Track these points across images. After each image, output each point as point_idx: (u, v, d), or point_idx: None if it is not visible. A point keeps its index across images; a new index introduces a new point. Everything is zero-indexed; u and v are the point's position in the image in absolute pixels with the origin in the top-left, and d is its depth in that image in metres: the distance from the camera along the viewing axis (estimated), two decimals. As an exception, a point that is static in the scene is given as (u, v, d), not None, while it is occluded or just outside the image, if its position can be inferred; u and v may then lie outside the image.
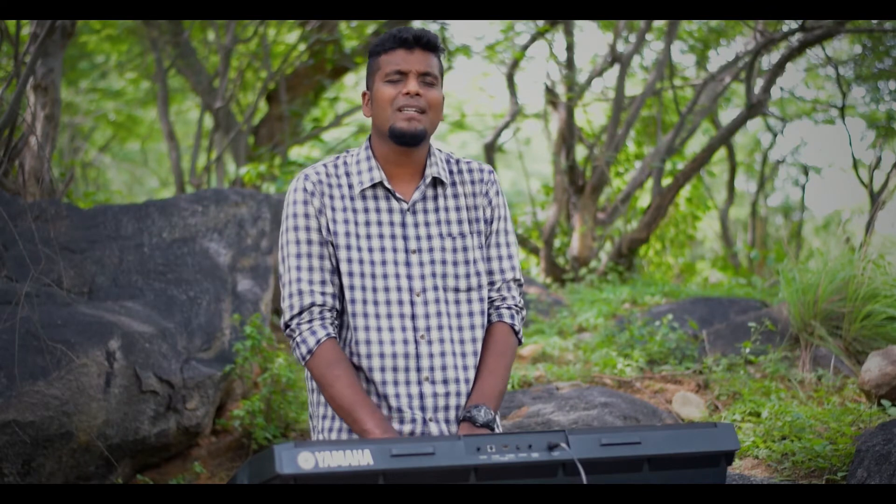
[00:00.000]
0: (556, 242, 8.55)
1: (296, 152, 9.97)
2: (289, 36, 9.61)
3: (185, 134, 14.03)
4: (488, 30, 13.71)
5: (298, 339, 2.23)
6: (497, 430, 2.24)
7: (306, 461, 1.66)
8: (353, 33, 9.36)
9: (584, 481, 1.79)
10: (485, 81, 11.53)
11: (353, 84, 11.67)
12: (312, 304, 2.22)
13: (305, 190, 2.26)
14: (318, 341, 2.20)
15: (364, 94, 2.34)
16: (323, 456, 1.68)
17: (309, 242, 2.25)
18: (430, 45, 2.25)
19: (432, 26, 9.09)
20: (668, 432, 1.92)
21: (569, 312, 5.95)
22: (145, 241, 4.33)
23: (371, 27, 9.20)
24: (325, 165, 2.32)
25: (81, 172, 11.17)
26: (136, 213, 4.45)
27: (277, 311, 5.30)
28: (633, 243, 7.87)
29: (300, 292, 2.23)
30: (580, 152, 8.80)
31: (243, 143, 8.47)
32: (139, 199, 10.35)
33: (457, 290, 2.28)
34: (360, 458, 1.70)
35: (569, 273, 7.94)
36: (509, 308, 2.36)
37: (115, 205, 4.68)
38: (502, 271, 2.36)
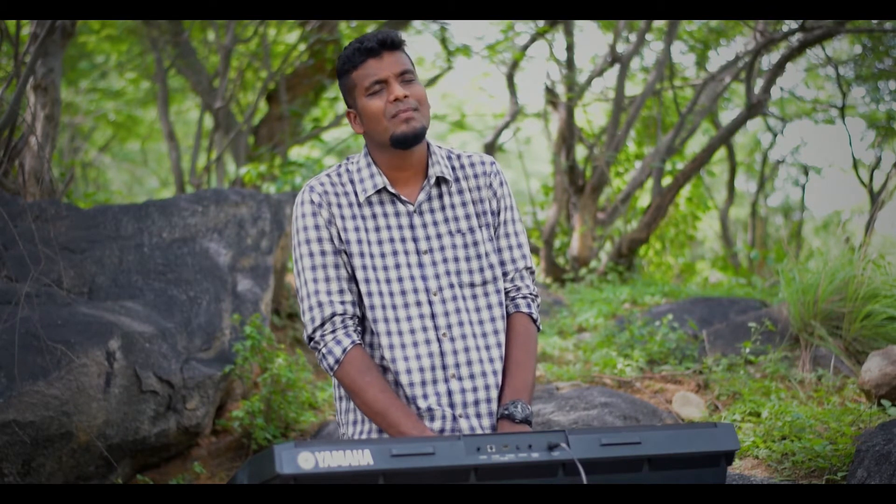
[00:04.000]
0: (556, 242, 8.55)
1: (296, 152, 9.96)
2: (289, 36, 9.61)
3: (185, 134, 14.03)
4: (488, 30, 13.71)
5: (324, 350, 2.23)
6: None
7: (306, 461, 1.66)
8: (353, 33, 9.35)
9: (584, 481, 1.79)
10: (485, 81, 11.54)
11: (353, 84, 11.64)
12: (334, 315, 2.23)
13: (312, 202, 2.26)
14: (344, 350, 2.21)
15: (349, 114, 2.32)
16: (323, 456, 1.68)
17: (323, 254, 2.25)
18: (394, 44, 2.25)
19: (432, 26, 9.10)
20: (668, 432, 1.92)
21: (569, 312, 5.95)
22: (145, 241, 4.33)
23: (371, 27, 9.20)
24: (328, 175, 2.32)
25: (81, 172, 11.18)
26: (136, 213, 4.45)
27: (277, 312, 5.30)
28: (633, 243, 7.86)
29: (320, 304, 2.23)
30: (580, 152, 8.80)
31: (243, 143, 8.47)
32: (139, 199, 10.34)
33: (472, 284, 2.29)
34: (360, 458, 1.70)
35: (569, 273, 7.94)
36: (525, 297, 2.38)
37: (115, 205, 4.68)
38: (514, 261, 2.37)
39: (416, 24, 9.20)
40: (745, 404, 3.81)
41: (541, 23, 8.27)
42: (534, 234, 9.10)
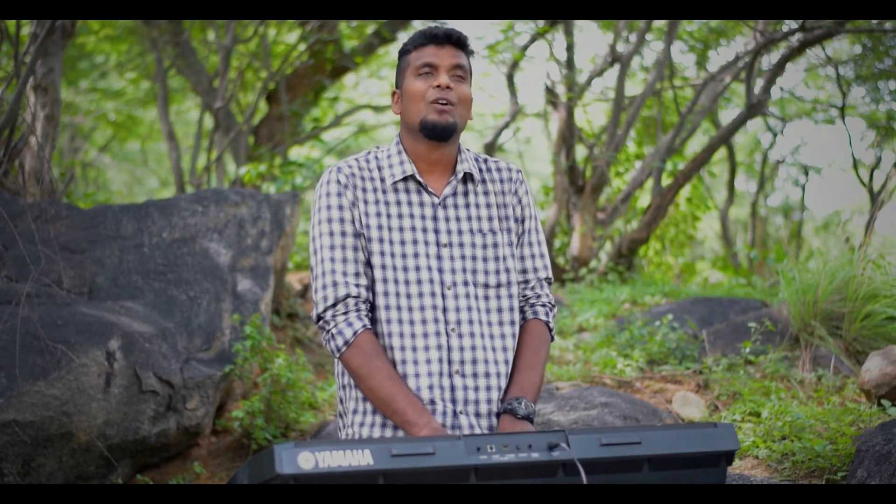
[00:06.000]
0: (556, 242, 8.55)
1: (296, 152, 9.96)
2: (289, 36, 9.60)
3: (185, 134, 14.02)
4: (488, 30, 13.72)
5: (334, 330, 2.22)
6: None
7: (306, 461, 1.66)
8: (353, 33, 9.35)
9: (584, 481, 1.79)
10: (485, 81, 11.53)
11: (354, 84, 11.67)
12: (348, 296, 2.22)
13: (339, 182, 2.27)
14: (355, 332, 2.20)
15: (394, 94, 2.37)
16: (323, 456, 1.68)
17: (343, 234, 2.25)
18: (460, 42, 2.30)
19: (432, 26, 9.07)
20: (668, 432, 1.92)
21: (569, 312, 5.95)
22: (145, 241, 4.33)
23: (371, 27, 9.20)
24: (356, 160, 2.34)
25: (81, 172, 11.18)
26: (136, 213, 4.45)
27: (277, 312, 5.30)
28: (633, 243, 7.86)
29: (335, 283, 2.22)
30: (580, 152, 8.79)
31: (243, 143, 8.47)
32: (139, 199, 10.35)
33: (486, 285, 2.29)
34: (360, 458, 1.70)
35: (569, 273, 7.94)
36: (544, 305, 2.40)
37: (115, 205, 4.68)
38: (535, 270, 2.39)
39: (416, 24, 9.20)
40: (745, 404, 3.81)
41: (541, 23, 8.27)
42: (534, 234, 9.08)
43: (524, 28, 8.63)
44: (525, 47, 8.78)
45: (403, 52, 2.34)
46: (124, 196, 11.55)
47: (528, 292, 2.38)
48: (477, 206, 2.34)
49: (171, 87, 10.25)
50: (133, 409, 3.54)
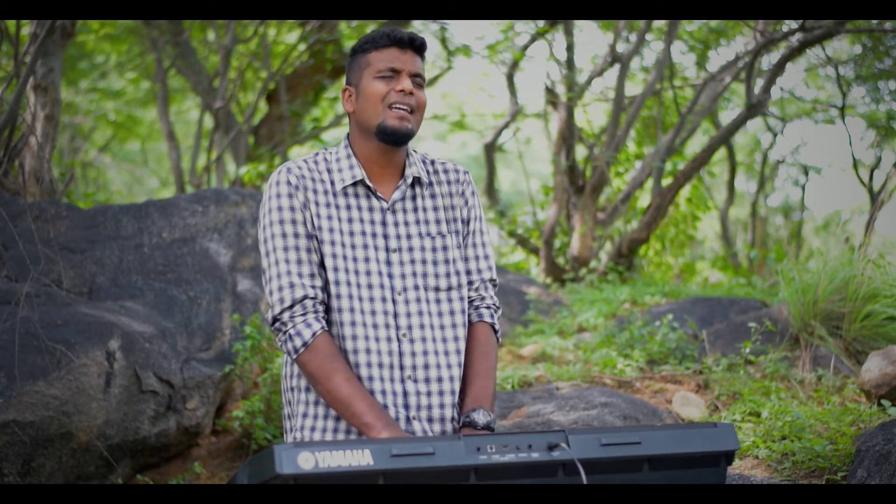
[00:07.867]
0: (556, 242, 8.55)
1: (296, 152, 9.97)
2: (289, 36, 9.61)
3: (185, 134, 14.03)
4: (488, 30, 13.73)
5: (292, 331, 2.20)
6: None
7: (306, 461, 1.66)
8: (353, 33, 9.36)
9: (584, 481, 1.79)
10: (485, 81, 11.55)
11: (354, 84, 11.66)
12: (305, 297, 2.20)
13: (289, 183, 2.25)
14: (313, 334, 2.19)
15: (346, 90, 2.34)
16: (323, 456, 1.68)
17: (296, 235, 2.23)
18: (421, 47, 2.30)
19: (432, 26, 9.09)
20: (668, 432, 1.92)
21: (569, 312, 5.95)
22: (145, 241, 4.33)
23: (371, 27, 9.20)
24: (305, 161, 2.31)
25: (81, 172, 11.18)
26: (136, 213, 4.45)
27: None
28: (633, 243, 7.86)
29: (291, 285, 2.21)
30: (580, 152, 8.80)
31: (243, 143, 8.47)
32: (139, 199, 10.35)
33: (437, 289, 2.29)
34: (360, 458, 1.70)
35: (569, 273, 7.94)
36: (489, 307, 2.38)
37: (115, 205, 4.68)
38: (479, 271, 2.38)
39: (416, 24, 9.20)
40: (745, 404, 3.81)
41: (541, 23, 8.28)
42: (534, 234, 9.10)
43: (524, 28, 8.64)
44: (525, 47, 8.78)
45: (361, 51, 2.31)
46: (124, 196, 11.56)
47: (472, 294, 2.37)
48: (425, 209, 2.33)
49: (171, 87, 10.25)
50: (133, 409, 3.54)
